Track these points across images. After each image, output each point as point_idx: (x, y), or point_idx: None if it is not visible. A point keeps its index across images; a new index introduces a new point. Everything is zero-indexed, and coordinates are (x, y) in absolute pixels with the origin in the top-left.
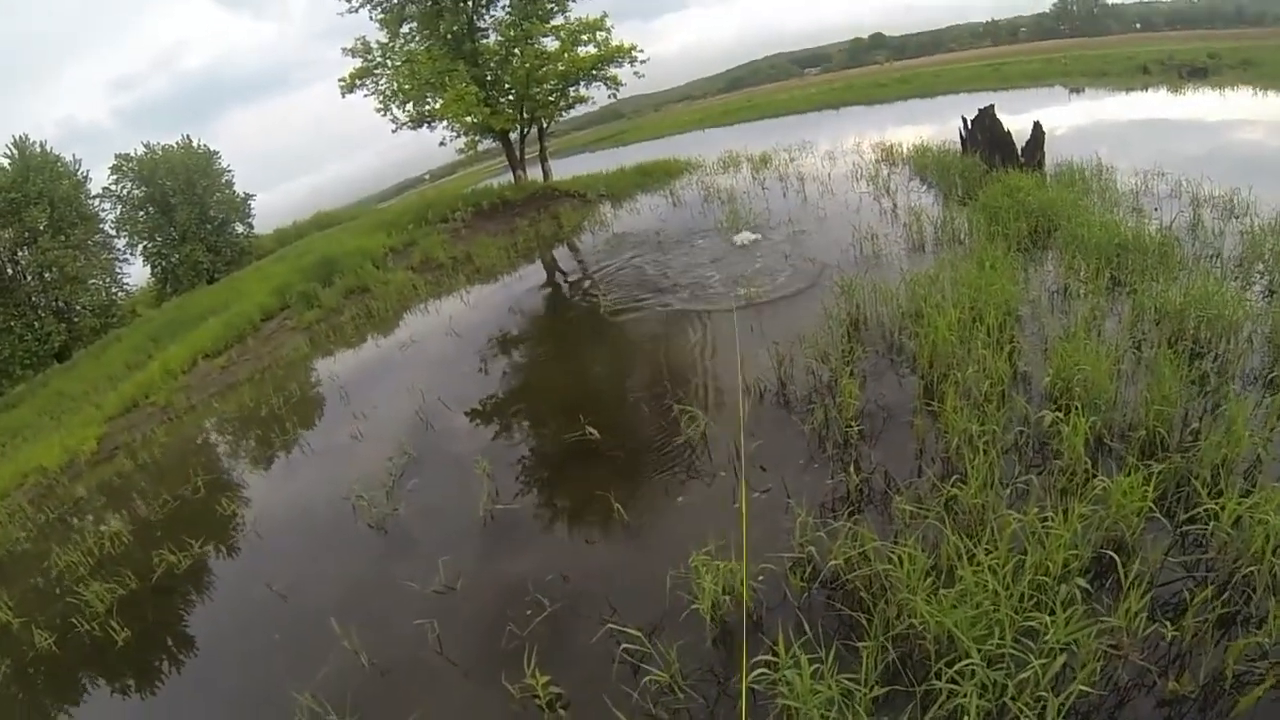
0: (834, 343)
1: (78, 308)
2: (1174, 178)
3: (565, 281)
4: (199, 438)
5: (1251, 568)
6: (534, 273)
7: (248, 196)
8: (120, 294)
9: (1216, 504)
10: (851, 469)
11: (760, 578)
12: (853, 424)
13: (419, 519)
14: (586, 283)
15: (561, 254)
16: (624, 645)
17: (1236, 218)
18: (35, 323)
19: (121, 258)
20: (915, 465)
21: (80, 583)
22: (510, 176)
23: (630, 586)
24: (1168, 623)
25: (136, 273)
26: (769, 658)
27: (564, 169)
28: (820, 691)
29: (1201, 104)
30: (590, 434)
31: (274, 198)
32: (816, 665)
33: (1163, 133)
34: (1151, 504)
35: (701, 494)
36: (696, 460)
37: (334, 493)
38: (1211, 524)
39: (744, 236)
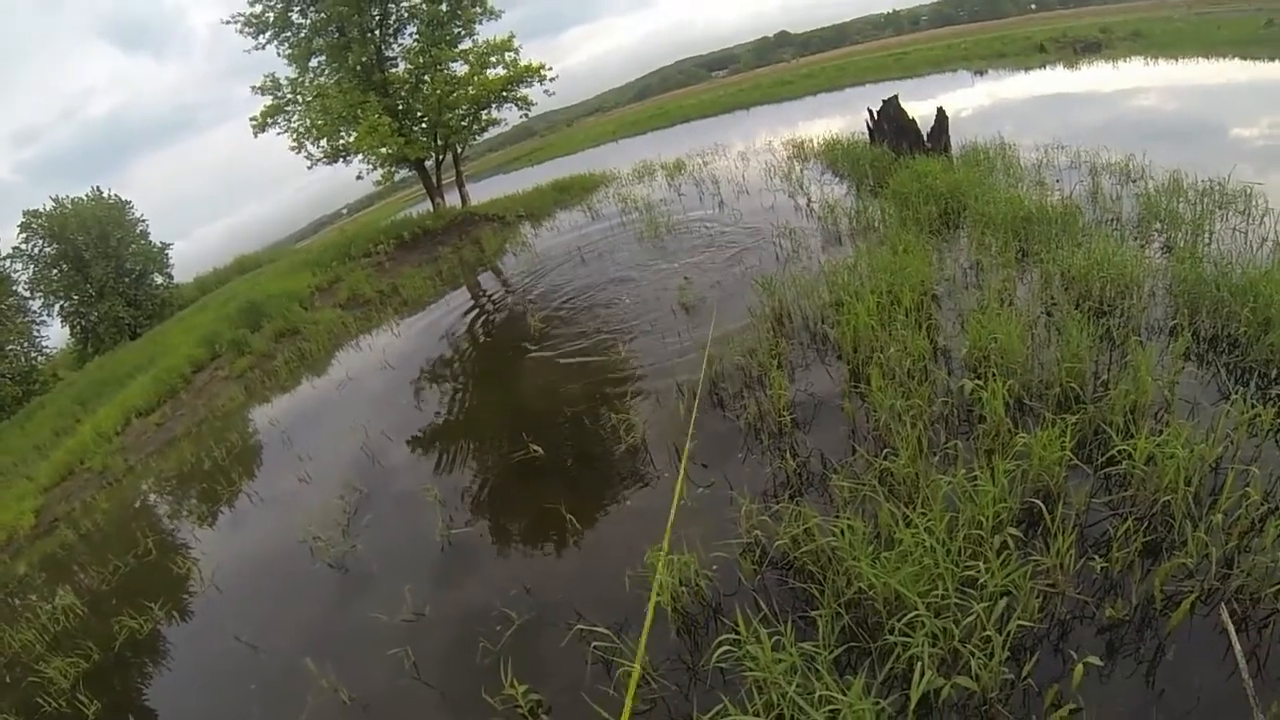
0: (760, 339)
1: None
2: (1073, 149)
3: (493, 304)
4: (142, 499)
5: (1168, 498)
6: (461, 299)
7: (165, 246)
8: (40, 358)
9: (1130, 445)
10: (788, 455)
11: (715, 567)
12: (785, 413)
13: (378, 552)
14: (514, 302)
15: (486, 278)
16: (594, 644)
17: (1133, 182)
18: None
19: (38, 320)
20: (848, 445)
21: (39, 660)
22: (429, 205)
23: (592, 590)
24: (1097, 557)
25: (55, 334)
26: (732, 636)
27: (481, 192)
28: (783, 660)
29: (1096, 77)
30: (534, 451)
31: (191, 244)
32: (777, 637)
33: (1061, 107)
34: (1070, 453)
35: (647, 495)
36: (639, 464)
37: (289, 537)
38: (1127, 463)
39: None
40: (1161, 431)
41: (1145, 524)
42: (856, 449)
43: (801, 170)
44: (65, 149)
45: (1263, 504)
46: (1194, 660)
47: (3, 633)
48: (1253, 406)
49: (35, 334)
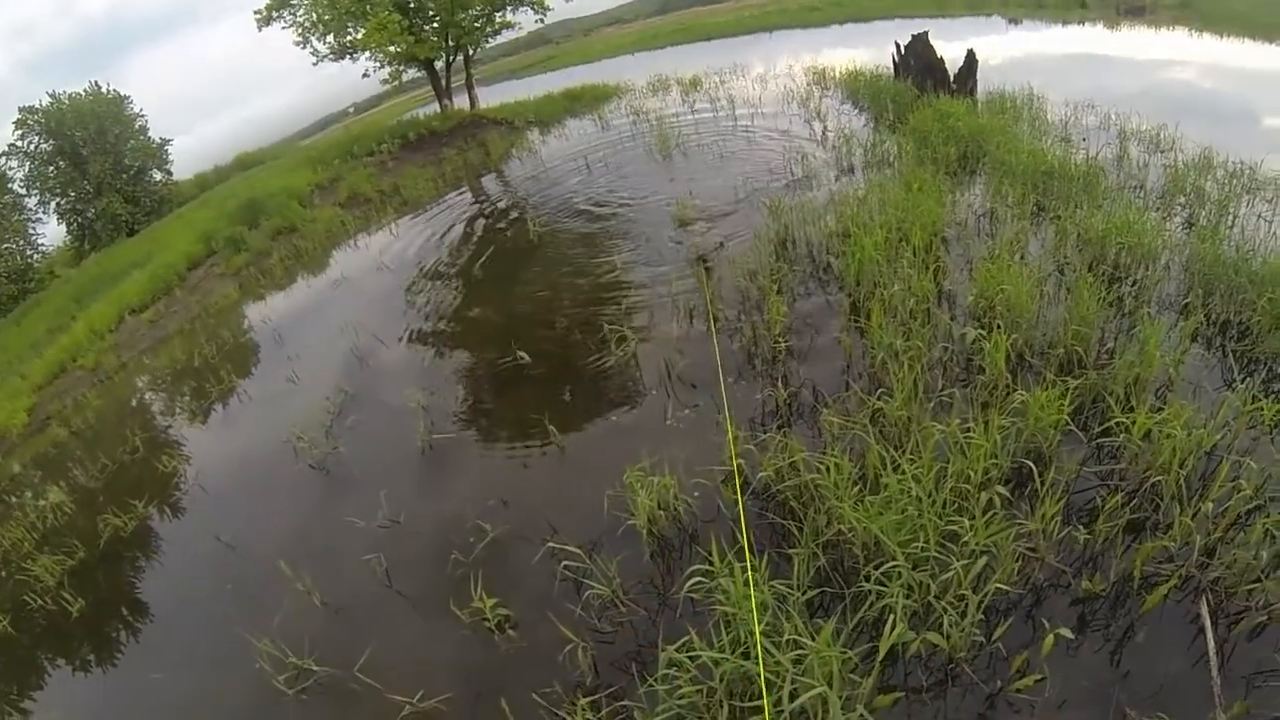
0: (762, 261)
1: None
2: (1104, 111)
3: (494, 208)
4: (133, 397)
5: (1159, 477)
6: (463, 202)
7: (164, 142)
8: (36, 256)
9: (1128, 419)
10: (780, 384)
11: (695, 493)
12: (781, 340)
13: (359, 455)
14: (515, 209)
15: (490, 182)
16: (565, 563)
17: (1161, 153)
18: None
19: (34, 218)
20: (842, 380)
21: (27, 559)
22: (437, 106)
23: (568, 507)
24: (1081, 527)
25: (51, 232)
26: (705, 567)
27: (491, 96)
28: (754, 597)
29: (1136, 41)
30: (522, 359)
31: (192, 141)
32: (750, 573)
33: (1096, 67)
34: (1068, 417)
35: (633, 412)
36: (628, 380)
37: (274, 437)
38: (1123, 437)
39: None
40: (1161, 409)
41: (1133, 500)
42: (850, 385)
43: (821, 98)
44: (62, 43)
45: (1253, 499)
46: (1163, 646)
47: None
48: (1256, 399)
49: (31, 232)
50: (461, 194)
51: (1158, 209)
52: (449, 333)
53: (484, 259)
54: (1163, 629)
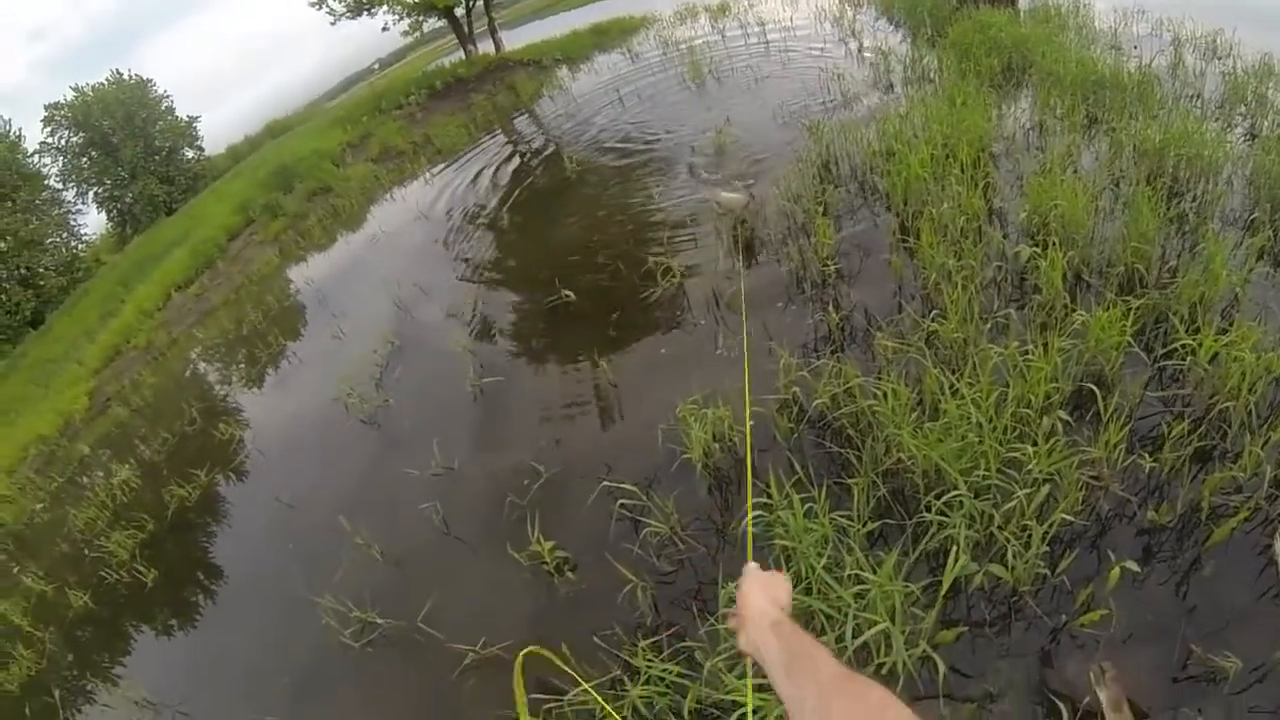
0: (806, 184)
1: (41, 270)
2: (1154, 16)
3: (528, 150)
4: (186, 370)
5: (1227, 403)
6: (496, 145)
7: (192, 119)
8: (80, 247)
9: (1194, 340)
10: (831, 308)
11: (751, 423)
12: (829, 264)
13: (409, 406)
14: (550, 147)
15: (522, 123)
16: (621, 502)
17: (1219, 59)
18: (1, 296)
19: (74, 210)
20: (894, 302)
21: (101, 536)
22: (461, 54)
23: (622, 443)
24: (1146, 455)
25: (92, 221)
26: (763, 500)
27: (516, 39)
28: (814, 530)
29: None
30: (568, 297)
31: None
32: (810, 505)
33: None
34: (1130, 339)
35: (683, 344)
36: (676, 312)
37: (324, 395)
38: (1189, 360)
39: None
40: (1228, 331)
41: (1200, 428)
42: (903, 307)
43: (854, 15)
44: (76, 42)
45: None
46: (1229, 579)
47: (68, 513)
48: None
49: (73, 224)
50: (494, 137)
51: (1217, 119)
52: (492, 276)
53: (521, 200)
54: (1230, 563)
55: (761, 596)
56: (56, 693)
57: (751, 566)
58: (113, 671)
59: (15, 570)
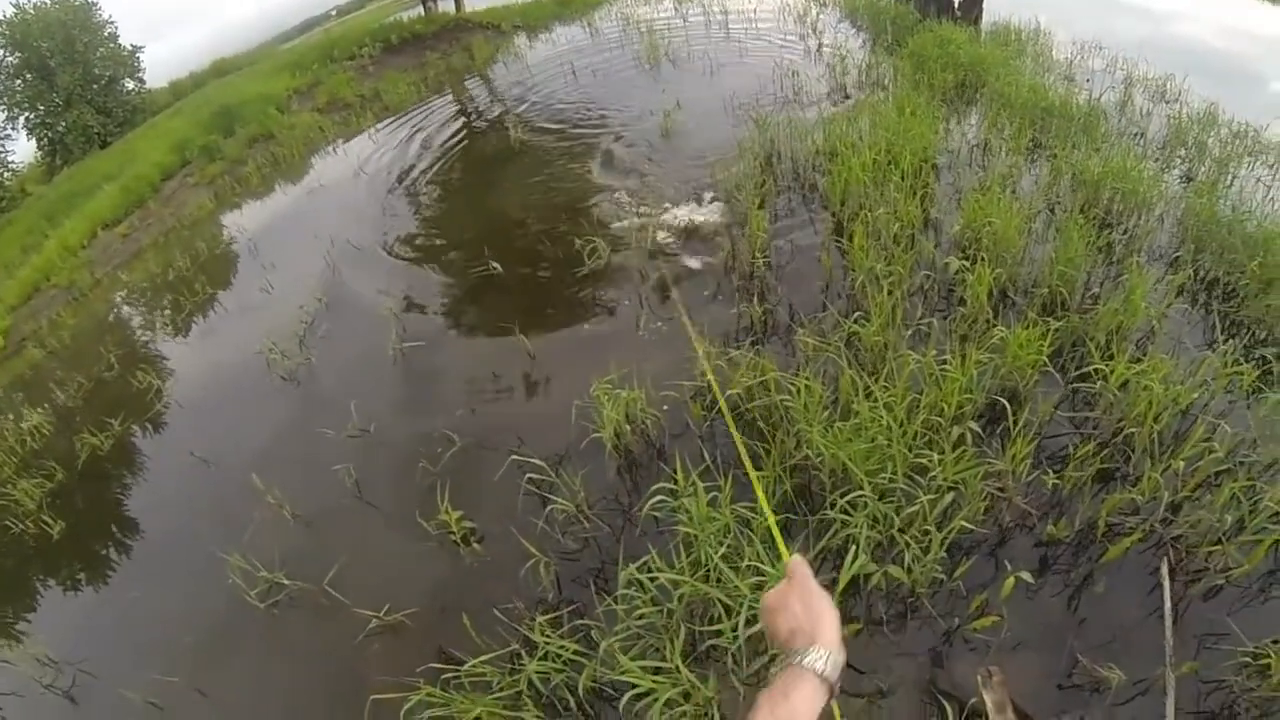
0: (746, 175)
1: None
2: (1111, 54)
3: (476, 115)
4: (108, 314)
5: (1133, 429)
6: (444, 107)
7: (136, 49)
8: (6, 175)
9: (1107, 366)
10: (756, 300)
11: (665, 407)
12: (760, 255)
13: (331, 365)
14: (498, 115)
15: (473, 86)
16: (529, 476)
17: (1167, 103)
18: None
19: (2, 134)
20: (820, 300)
21: (7, 484)
22: (420, 10)
23: (537, 418)
24: (1051, 472)
25: (21, 149)
26: (669, 486)
27: (478, 1)
28: (718, 519)
29: None
30: (494, 268)
31: (166, 49)
32: (714, 494)
33: (1107, 9)
34: (1046, 358)
35: (605, 323)
36: (601, 291)
37: (247, 349)
38: (1100, 384)
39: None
40: (1141, 361)
41: (1105, 450)
42: (828, 306)
43: (817, 14)
44: None
45: (1223, 461)
46: (1121, 598)
47: None
48: (1237, 362)
49: (1, 149)
50: (444, 98)
51: (1157, 159)
52: (425, 240)
53: (462, 165)
54: (1122, 581)
55: (836, 622)
56: None
57: (801, 559)
58: (14, 627)
59: None
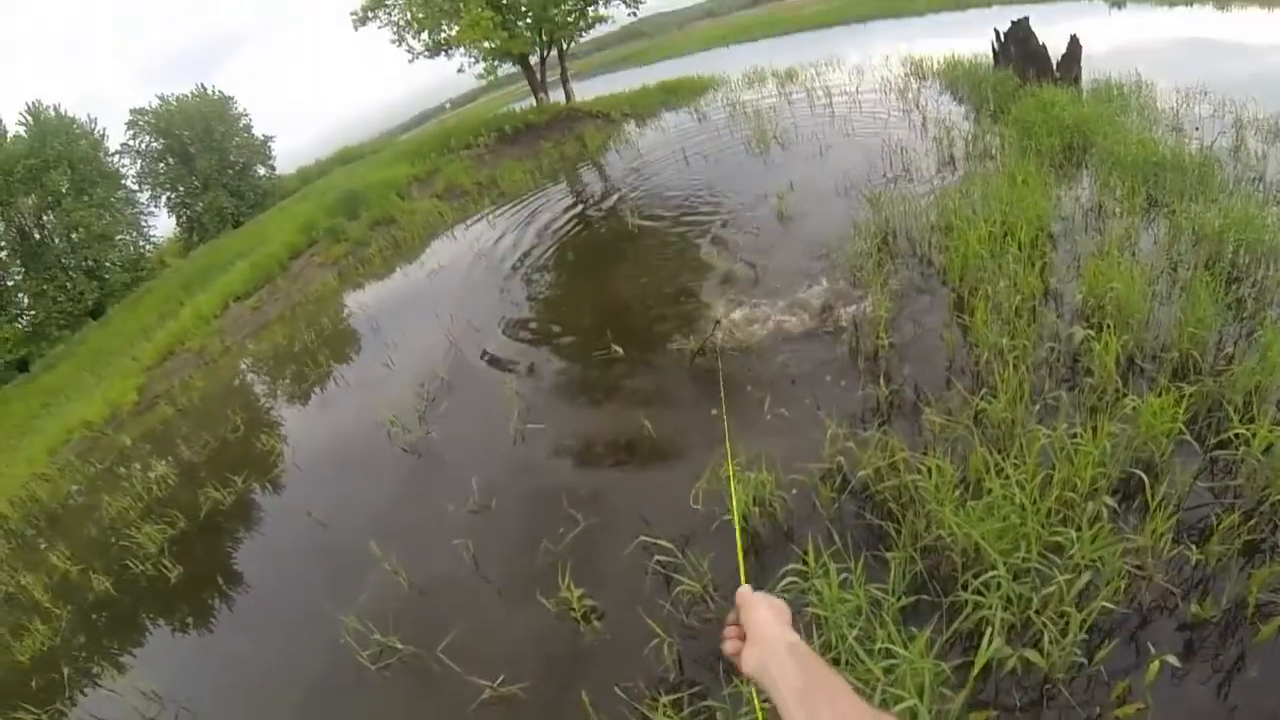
0: (864, 255)
1: (107, 264)
2: (1217, 98)
3: (591, 200)
4: (235, 379)
5: None
6: (559, 193)
7: (267, 139)
8: (148, 247)
9: (1248, 430)
10: (881, 381)
11: (793, 490)
12: (883, 335)
13: (451, 441)
14: (613, 200)
15: (587, 173)
16: (657, 558)
17: None
18: (67, 284)
19: (146, 211)
20: (945, 378)
21: (132, 526)
22: (532, 100)
23: (661, 501)
24: (1193, 546)
25: (162, 224)
26: (799, 566)
27: (586, 90)
28: (848, 600)
29: (1249, 23)
30: (616, 352)
31: (296, 140)
32: (845, 575)
33: (1206, 52)
34: (1182, 426)
35: (730, 408)
36: (726, 375)
37: (368, 420)
38: (1242, 450)
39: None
40: None
41: (1250, 520)
42: (953, 383)
43: (919, 89)
44: (166, 54)
45: None
46: (1275, 682)
47: (103, 499)
48: None
49: (143, 224)
50: (559, 185)
51: (1279, 204)
52: (544, 322)
53: (580, 249)
54: (1276, 664)
55: (774, 619)
56: (65, 670)
57: (747, 588)
58: (123, 659)
59: (43, 546)
